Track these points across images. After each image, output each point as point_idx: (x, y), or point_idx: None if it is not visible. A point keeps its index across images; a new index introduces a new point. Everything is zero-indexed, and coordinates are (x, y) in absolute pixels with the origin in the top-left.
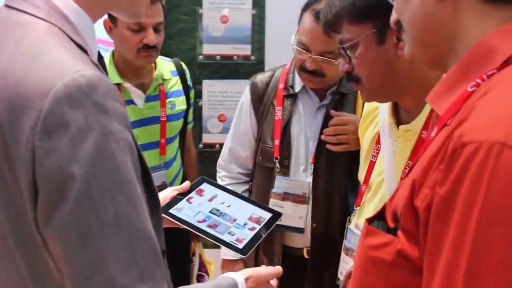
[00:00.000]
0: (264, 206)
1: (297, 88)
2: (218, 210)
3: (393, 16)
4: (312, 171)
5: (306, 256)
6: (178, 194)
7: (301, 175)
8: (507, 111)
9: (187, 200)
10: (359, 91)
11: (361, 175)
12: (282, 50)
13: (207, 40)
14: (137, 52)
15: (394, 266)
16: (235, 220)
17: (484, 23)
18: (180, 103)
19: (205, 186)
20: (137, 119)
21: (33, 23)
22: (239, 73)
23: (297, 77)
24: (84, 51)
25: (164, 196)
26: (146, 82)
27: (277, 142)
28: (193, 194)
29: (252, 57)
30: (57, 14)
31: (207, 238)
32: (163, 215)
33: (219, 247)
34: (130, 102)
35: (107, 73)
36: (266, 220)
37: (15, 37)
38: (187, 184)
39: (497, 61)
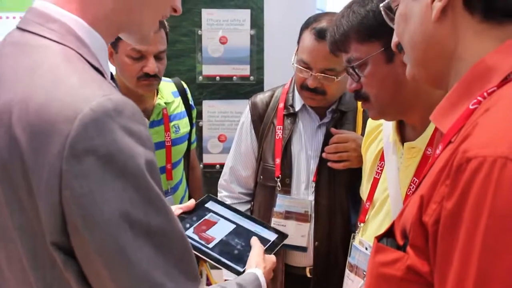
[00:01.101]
0: (270, 227)
1: (297, 107)
2: (222, 230)
3: (394, 39)
4: (313, 189)
5: (308, 275)
6: (183, 213)
7: (303, 193)
8: (509, 126)
9: (191, 220)
10: (359, 109)
11: (364, 192)
12: (280, 70)
13: (206, 61)
14: (137, 81)
15: (405, 281)
16: (238, 241)
17: (482, 42)
18: (184, 126)
19: (210, 204)
20: None
21: (49, 46)
22: (238, 93)
23: (297, 96)
24: (101, 73)
25: None
26: (148, 107)
27: (278, 161)
28: (198, 213)
29: (251, 77)
30: (72, 37)
31: (208, 260)
32: None
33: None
34: None
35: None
36: (270, 242)
37: (32, 61)
38: (192, 202)
39: (497, 79)
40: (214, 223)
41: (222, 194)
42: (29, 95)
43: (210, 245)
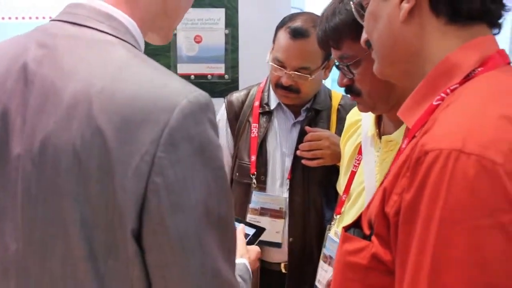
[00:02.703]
0: (246, 222)
1: (273, 105)
2: None
3: (363, 36)
4: (288, 186)
5: (283, 271)
6: None
7: (278, 190)
8: (464, 121)
9: None
10: (333, 108)
11: (341, 185)
12: (255, 69)
13: (181, 59)
14: None
15: (370, 269)
16: None
17: (448, 42)
18: None
19: None
20: None
21: (116, 42)
22: (213, 91)
23: (272, 94)
24: None
25: None
26: None
27: (253, 158)
28: None
29: (226, 76)
30: (130, 36)
31: None
32: None
33: None
34: None
35: None
36: (250, 236)
37: (104, 54)
38: None
39: (459, 76)
40: None
41: None
42: (111, 86)
43: None
